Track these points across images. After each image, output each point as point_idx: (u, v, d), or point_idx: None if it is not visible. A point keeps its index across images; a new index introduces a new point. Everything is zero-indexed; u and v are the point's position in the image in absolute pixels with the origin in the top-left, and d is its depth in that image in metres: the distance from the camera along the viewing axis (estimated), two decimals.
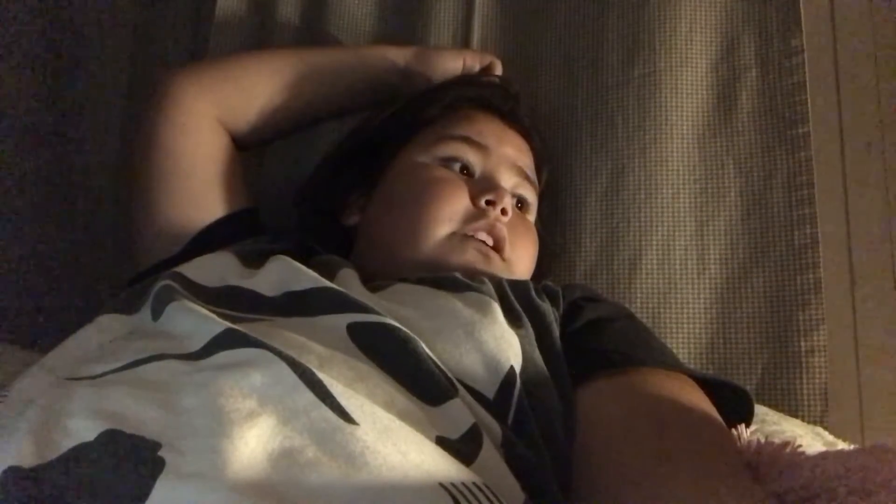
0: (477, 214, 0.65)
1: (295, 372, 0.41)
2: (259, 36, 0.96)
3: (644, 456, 0.44)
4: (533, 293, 0.58)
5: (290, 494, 0.35)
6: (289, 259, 0.57)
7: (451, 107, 0.74)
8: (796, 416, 0.72)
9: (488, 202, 0.66)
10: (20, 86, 0.92)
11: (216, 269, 0.58)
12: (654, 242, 0.80)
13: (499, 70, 0.84)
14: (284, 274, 0.56)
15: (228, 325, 0.46)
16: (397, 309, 0.52)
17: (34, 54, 0.94)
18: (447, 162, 0.69)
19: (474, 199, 0.66)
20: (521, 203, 0.72)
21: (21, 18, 0.93)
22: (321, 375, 0.41)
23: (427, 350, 0.47)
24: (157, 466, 0.35)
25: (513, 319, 0.54)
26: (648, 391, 0.49)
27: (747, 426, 0.53)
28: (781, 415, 0.71)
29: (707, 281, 0.79)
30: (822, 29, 0.89)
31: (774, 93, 0.81)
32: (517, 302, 0.56)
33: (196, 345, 0.45)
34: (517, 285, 0.59)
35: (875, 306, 0.82)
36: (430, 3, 0.94)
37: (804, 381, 0.74)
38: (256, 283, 0.56)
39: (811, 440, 0.65)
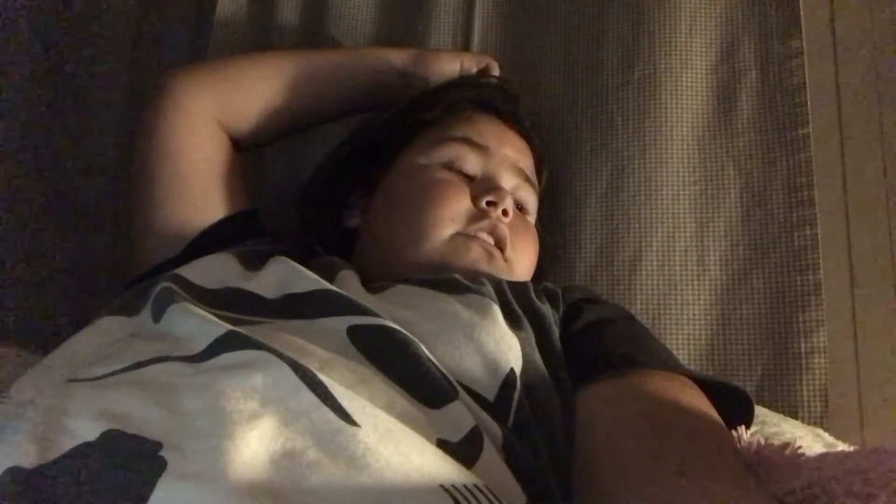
0: (478, 215, 0.65)
1: (296, 374, 0.41)
2: (259, 37, 0.96)
3: (644, 458, 0.44)
4: (533, 295, 0.58)
5: (292, 495, 0.35)
6: (289, 261, 0.57)
7: (452, 108, 0.74)
8: (796, 418, 0.73)
9: (489, 203, 0.66)
10: (19, 86, 0.92)
11: (216, 270, 0.58)
12: (654, 243, 0.80)
13: (496, 71, 0.84)
14: (285, 276, 0.56)
15: (230, 327, 0.46)
16: (397, 311, 0.52)
17: (33, 54, 0.94)
18: (448, 163, 0.69)
19: (475, 200, 0.66)
20: (521, 204, 0.73)
21: (21, 18, 0.92)
22: (322, 377, 0.41)
23: (427, 352, 0.47)
24: (158, 467, 0.35)
25: (513, 321, 0.54)
26: (649, 393, 0.49)
27: (747, 428, 0.53)
28: (781, 416, 0.71)
29: (707, 282, 0.79)
30: (823, 30, 0.89)
31: (774, 94, 0.82)
32: (517, 304, 0.56)
33: (198, 347, 0.45)
34: (517, 287, 0.59)
35: (875, 306, 0.82)
36: (431, 5, 0.94)
37: (804, 382, 0.74)
38: (256, 284, 0.56)
39: (811, 441, 0.65)
